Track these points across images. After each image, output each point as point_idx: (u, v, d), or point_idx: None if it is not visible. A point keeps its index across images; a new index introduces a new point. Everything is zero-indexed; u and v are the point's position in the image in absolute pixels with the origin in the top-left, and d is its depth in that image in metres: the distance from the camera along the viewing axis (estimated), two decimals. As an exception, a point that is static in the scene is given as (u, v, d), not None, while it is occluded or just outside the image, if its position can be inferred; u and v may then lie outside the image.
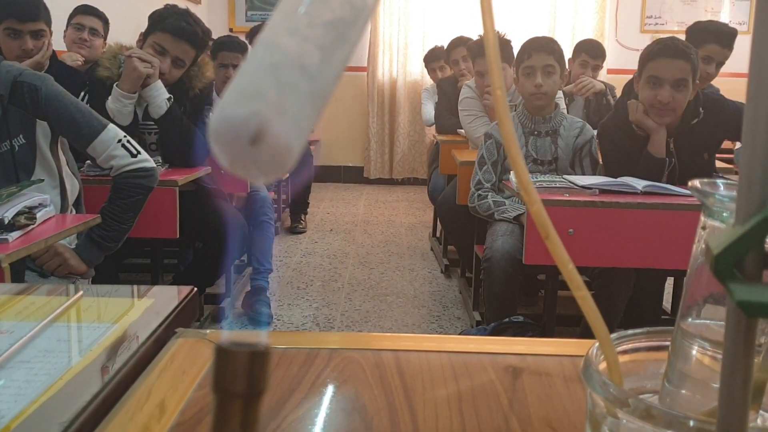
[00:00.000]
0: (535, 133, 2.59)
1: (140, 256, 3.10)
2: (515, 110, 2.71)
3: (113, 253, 2.32)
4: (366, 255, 4.08)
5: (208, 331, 0.74)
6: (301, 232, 4.49)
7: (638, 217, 1.92)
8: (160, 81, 2.38)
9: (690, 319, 0.50)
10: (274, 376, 0.65)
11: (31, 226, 1.44)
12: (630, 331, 0.57)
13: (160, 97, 2.38)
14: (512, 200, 2.46)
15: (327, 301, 3.25)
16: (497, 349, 0.70)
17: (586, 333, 2.30)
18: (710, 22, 3.18)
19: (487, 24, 0.40)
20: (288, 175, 4.35)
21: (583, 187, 2.02)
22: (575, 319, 2.55)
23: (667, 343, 0.52)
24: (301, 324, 2.96)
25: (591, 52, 3.84)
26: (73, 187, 1.90)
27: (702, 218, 0.50)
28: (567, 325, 2.68)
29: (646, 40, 3.26)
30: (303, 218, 4.57)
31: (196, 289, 0.85)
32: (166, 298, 0.82)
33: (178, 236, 2.18)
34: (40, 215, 1.51)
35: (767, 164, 0.32)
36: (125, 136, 1.83)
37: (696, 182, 0.50)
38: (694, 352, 0.50)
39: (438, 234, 4.20)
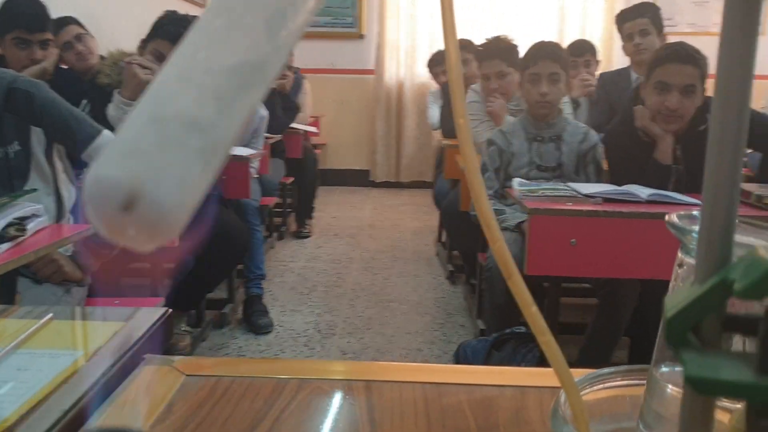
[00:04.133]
0: (539, 138, 2.55)
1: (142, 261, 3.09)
2: (516, 116, 2.67)
3: (117, 259, 2.31)
4: (370, 260, 4.05)
5: (175, 358, 0.72)
6: (306, 237, 4.46)
7: (642, 226, 1.88)
8: (159, 87, 2.36)
9: (663, 367, 0.47)
10: (238, 409, 0.62)
11: (22, 238, 1.42)
12: (606, 370, 0.54)
13: (160, 103, 2.36)
14: (514, 208, 2.42)
15: (329, 307, 3.23)
16: (474, 380, 0.67)
17: (588, 347, 2.27)
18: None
19: (450, 46, 0.38)
20: (293, 179, 4.33)
21: (586, 195, 1.98)
22: (580, 327, 2.51)
23: (644, 381, 0.49)
24: (302, 330, 2.93)
25: (574, 51, 3.78)
26: (69, 194, 1.88)
27: (679, 255, 0.47)
28: (571, 333, 2.64)
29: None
30: (308, 223, 4.55)
31: (170, 311, 0.83)
32: (137, 321, 0.79)
33: (177, 243, 2.16)
34: (32, 226, 1.49)
35: (729, 220, 0.29)
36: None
37: (673, 216, 0.47)
38: (669, 391, 0.47)
39: (443, 239, 4.16)
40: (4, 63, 2.40)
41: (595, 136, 2.56)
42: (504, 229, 2.44)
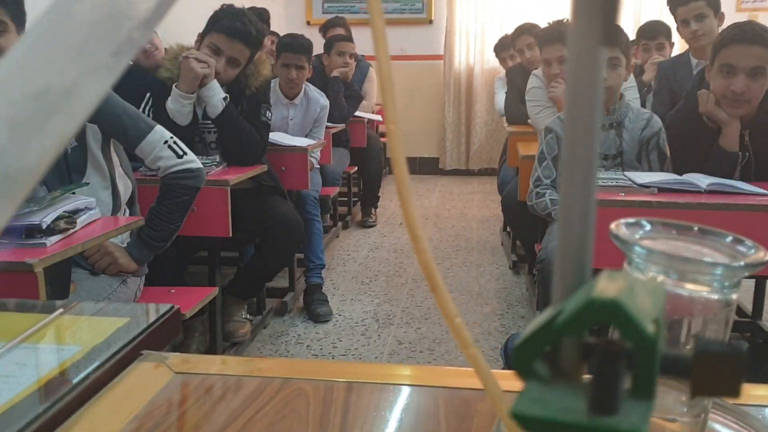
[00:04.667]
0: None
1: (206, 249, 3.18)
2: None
3: (180, 249, 2.38)
4: (433, 250, 4.03)
5: (170, 355, 0.73)
6: (371, 226, 4.49)
7: (700, 217, 1.79)
8: (216, 81, 2.41)
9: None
10: (215, 407, 0.63)
11: (72, 230, 1.49)
12: None
13: (217, 96, 2.41)
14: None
15: (389, 297, 3.23)
16: (456, 383, 0.65)
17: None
18: None
19: (380, 48, 0.37)
20: (357, 168, 4.35)
21: (641, 185, 1.90)
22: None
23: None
24: (360, 320, 2.96)
25: (647, 34, 3.63)
26: (126, 187, 1.95)
27: (625, 265, 0.44)
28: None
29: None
30: (373, 212, 4.56)
31: (177, 307, 0.85)
32: (141, 316, 0.81)
33: (230, 235, 2.21)
34: (82, 219, 1.55)
35: (583, 242, 0.27)
36: (172, 137, 1.87)
37: (620, 225, 0.44)
38: None
39: (508, 228, 4.10)
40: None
41: (658, 121, 2.45)
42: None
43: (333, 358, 2.59)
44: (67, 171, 1.79)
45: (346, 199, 4.51)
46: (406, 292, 3.30)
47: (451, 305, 0.40)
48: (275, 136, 2.91)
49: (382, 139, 5.21)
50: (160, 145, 1.83)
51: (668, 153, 2.42)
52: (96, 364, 0.69)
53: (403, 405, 0.63)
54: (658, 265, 0.41)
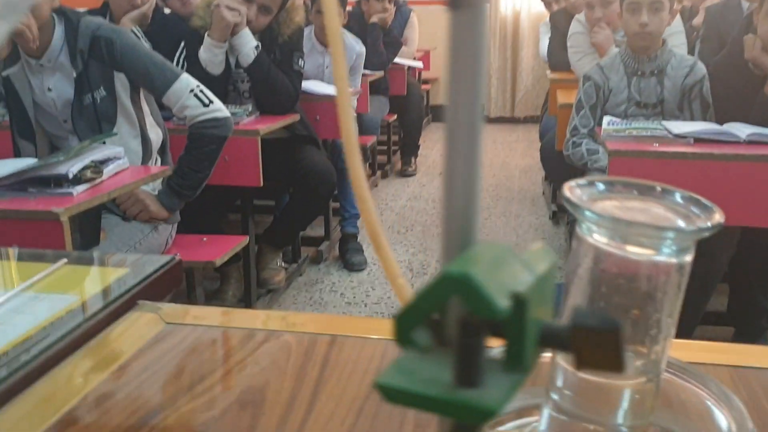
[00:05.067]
0: (639, 73, 2.38)
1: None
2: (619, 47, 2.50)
3: (215, 198, 2.42)
4: (473, 198, 4.00)
5: (165, 306, 0.75)
6: (410, 176, 4.47)
7: (739, 169, 1.73)
8: (247, 29, 2.40)
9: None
10: (198, 358, 0.64)
11: (99, 180, 1.52)
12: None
13: (248, 45, 2.40)
14: (606, 148, 2.29)
15: (424, 246, 3.24)
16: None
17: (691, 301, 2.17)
18: None
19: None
20: (397, 116, 4.32)
21: (677, 135, 1.84)
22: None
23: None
24: (395, 269, 2.97)
25: None
26: (157, 136, 1.98)
27: (576, 228, 0.43)
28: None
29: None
30: (413, 161, 4.54)
31: (178, 257, 0.86)
32: (141, 267, 0.83)
33: (261, 184, 2.23)
34: (110, 168, 1.58)
35: (469, 203, 0.26)
36: (198, 86, 1.88)
37: (573, 186, 0.43)
38: (570, 373, 0.43)
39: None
40: (108, 9, 2.53)
41: (702, 69, 2.35)
42: (596, 170, 2.33)
43: (366, 307, 2.62)
44: (97, 120, 1.82)
45: (385, 148, 4.49)
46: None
47: (394, 266, 0.39)
48: (309, 85, 2.89)
49: (424, 87, 5.14)
50: (186, 93, 1.84)
51: (711, 102, 2.33)
52: (89, 313, 0.71)
53: (384, 359, 0.63)
54: (604, 228, 0.40)
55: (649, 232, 0.38)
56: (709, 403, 0.46)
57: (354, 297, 2.72)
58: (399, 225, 3.54)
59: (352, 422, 0.54)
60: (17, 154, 1.85)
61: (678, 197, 0.43)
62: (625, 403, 0.44)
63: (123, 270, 0.81)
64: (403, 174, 4.48)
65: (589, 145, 2.37)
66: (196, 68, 2.38)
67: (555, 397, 0.44)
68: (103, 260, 0.87)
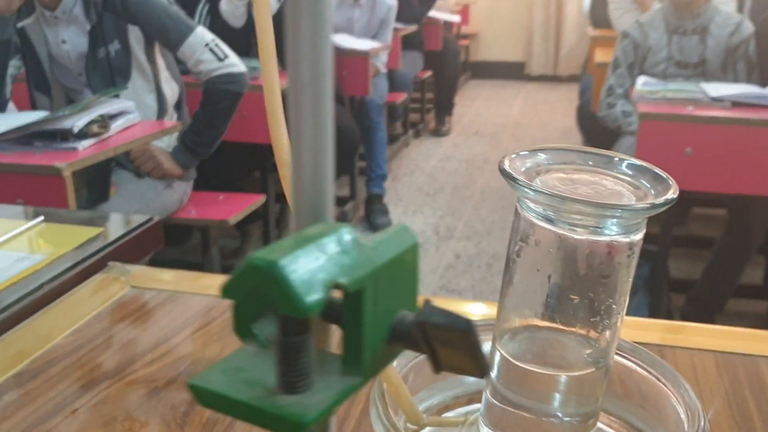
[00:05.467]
0: (681, 30, 2.25)
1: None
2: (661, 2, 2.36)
3: (237, 156, 2.40)
4: (507, 160, 3.91)
5: (134, 268, 0.72)
6: (444, 135, 4.38)
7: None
8: (271, -20, 2.34)
9: (506, 336, 0.39)
10: (156, 325, 0.62)
11: (105, 134, 1.50)
12: None
13: (271, -3, 2.34)
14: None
15: (452, 209, 3.18)
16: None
17: (714, 264, 2.08)
18: None
19: None
20: (431, 73, 4.21)
21: (714, 98, 1.73)
22: (708, 242, 2.29)
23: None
24: (420, 232, 2.93)
25: None
26: (172, 91, 1.95)
27: (517, 205, 0.38)
28: (700, 247, 2.42)
29: None
30: (447, 120, 4.44)
31: (157, 219, 0.83)
32: (116, 227, 0.80)
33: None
34: (119, 123, 1.56)
35: (319, 178, 0.22)
36: (213, 40, 1.83)
37: (513, 155, 0.37)
38: (512, 364, 0.39)
39: (588, 140, 3.91)
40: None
41: (749, 27, 2.21)
42: (630, 133, 2.23)
43: (388, 268, 2.58)
44: (111, 74, 1.80)
45: (418, 105, 4.39)
46: (471, 205, 3.24)
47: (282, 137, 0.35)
48: (338, 39, 2.82)
49: (462, 42, 5.01)
50: (201, 47, 1.80)
51: (757, 63, 2.19)
52: (55, 273, 0.68)
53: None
54: (540, 204, 0.34)
55: (585, 209, 0.33)
56: (663, 390, 0.41)
57: (377, 258, 2.68)
58: (428, 186, 3.48)
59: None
60: (33, 107, 1.85)
61: (636, 169, 0.38)
62: (569, 391, 0.39)
63: (98, 230, 0.79)
64: (437, 133, 4.40)
65: (625, 107, 2.27)
66: (218, 21, 2.33)
67: (495, 383, 0.40)
68: (81, 219, 0.85)
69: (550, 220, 0.34)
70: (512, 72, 6.21)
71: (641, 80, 2.00)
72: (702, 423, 0.38)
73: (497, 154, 4.03)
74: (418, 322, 0.21)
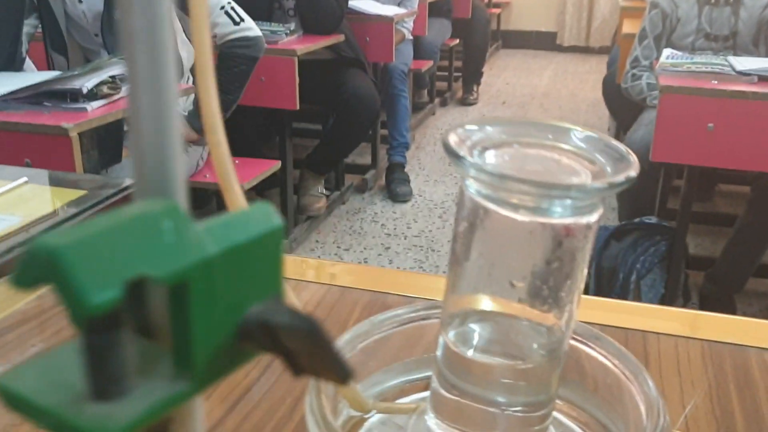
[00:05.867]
0: (712, 1, 2.17)
1: (304, 120, 3.15)
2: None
3: (256, 121, 2.38)
4: (533, 131, 3.84)
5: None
6: (471, 104, 4.31)
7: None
8: (292, -58, 2.30)
9: (450, 329, 0.37)
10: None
11: (116, 96, 1.49)
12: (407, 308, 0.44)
13: (293, -41, 2.31)
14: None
15: (474, 179, 3.13)
16: (374, 286, 0.59)
17: (736, 242, 2.04)
18: None
19: None
20: (459, 41, 4.13)
21: (740, 72, 1.66)
22: (731, 219, 2.23)
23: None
24: (440, 202, 2.90)
25: None
26: (189, 54, 1.93)
27: (461, 182, 0.35)
28: (722, 224, 2.36)
29: None
30: (475, 89, 4.37)
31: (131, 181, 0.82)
32: (100, 190, 0.79)
33: (297, 107, 2.17)
34: (130, 84, 1.55)
35: (161, 155, 0.19)
36: (229, 2, 1.81)
37: (457, 129, 0.35)
38: (458, 353, 0.37)
39: (616, 113, 3.82)
40: None
41: (786, -2, 2.12)
42: (654, 107, 2.16)
43: (405, 239, 2.57)
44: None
45: (446, 74, 4.32)
46: (492, 175, 3.18)
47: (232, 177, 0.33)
48: (361, 4, 2.78)
49: (493, 10, 4.91)
50: (217, 10, 1.78)
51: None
52: (28, 237, 0.68)
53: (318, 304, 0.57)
54: (481, 182, 0.32)
55: (528, 188, 0.30)
56: (625, 382, 0.39)
57: (395, 228, 2.67)
58: (451, 156, 3.43)
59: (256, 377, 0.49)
60: (50, 67, 1.84)
61: (596, 144, 0.35)
62: (519, 381, 0.37)
63: (80, 192, 0.78)
64: (464, 102, 4.33)
65: (650, 80, 2.20)
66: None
67: (442, 371, 0.38)
68: (66, 181, 0.84)
69: (492, 200, 0.32)
70: (544, 42, 6.08)
71: (666, 52, 1.93)
72: (661, 420, 0.36)
73: (523, 125, 3.95)
74: (258, 322, 0.18)
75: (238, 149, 2.19)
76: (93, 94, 1.43)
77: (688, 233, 1.86)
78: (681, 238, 1.83)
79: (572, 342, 0.42)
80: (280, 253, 0.20)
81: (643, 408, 0.37)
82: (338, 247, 2.52)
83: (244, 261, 0.19)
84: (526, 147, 0.34)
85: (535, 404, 0.37)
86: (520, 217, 0.31)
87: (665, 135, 1.63)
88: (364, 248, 2.50)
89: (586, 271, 0.34)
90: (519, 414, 0.37)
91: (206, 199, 2.48)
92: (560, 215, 0.32)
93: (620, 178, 0.31)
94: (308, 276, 0.62)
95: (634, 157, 0.33)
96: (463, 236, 0.34)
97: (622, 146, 0.34)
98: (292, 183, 2.43)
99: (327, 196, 2.73)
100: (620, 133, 3.53)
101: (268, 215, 0.20)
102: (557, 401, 0.43)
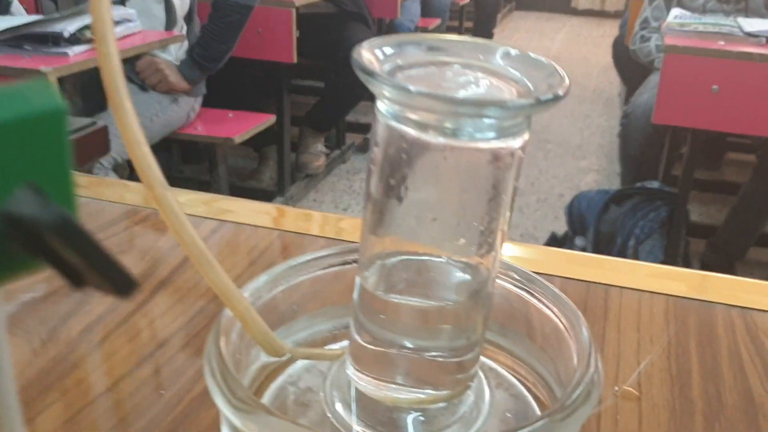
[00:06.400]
0: (726, -39, 2.09)
1: (307, 77, 3.09)
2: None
3: (254, 74, 2.34)
4: (541, 95, 3.77)
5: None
6: (479, 65, 4.22)
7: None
8: None
9: (367, 271, 0.34)
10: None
11: (101, 41, 1.45)
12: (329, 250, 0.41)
13: None
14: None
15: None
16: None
17: (738, 209, 1.99)
18: None
19: None
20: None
21: (748, 34, 1.60)
22: (729, 187, 2.18)
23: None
24: (441, 162, 2.85)
25: None
26: (182, 2, 1.88)
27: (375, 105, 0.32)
28: (727, 192, 2.31)
29: None
30: (484, 50, 4.27)
31: (102, 125, 0.78)
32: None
33: (294, 60, 2.12)
34: (118, 30, 1.51)
35: None
36: (223, -51, 1.76)
37: (370, 45, 0.31)
38: (374, 299, 0.34)
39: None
40: None
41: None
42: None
43: (404, 198, 2.53)
44: (119, -19, 1.74)
45: (458, 32, 4.24)
46: (496, 137, 3.13)
47: (138, 134, 0.29)
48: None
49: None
50: (210, -44, 1.73)
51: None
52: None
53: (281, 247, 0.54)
54: (389, 100, 0.28)
55: (438, 105, 0.27)
56: (560, 328, 0.36)
57: (394, 188, 2.63)
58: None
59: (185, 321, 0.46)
60: (38, 10, 1.80)
61: (528, 64, 0.31)
62: (441, 324, 0.34)
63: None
64: (472, 64, 4.24)
65: (660, 41, 2.13)
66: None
67: (358, 316, 0.34)
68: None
69: (401, 120, 0.28)
70: (558, 5, 5.95)
71: (674, 12, 1.87)
72: (591, 372, 0.32)
73: (532, 88, 3.88)
74: (2, 215, 0.15)
75: (236, 103, 2.15)
76: (76, 39, 1.39)
77: (692, 201, 1.82)
78: (682, 204, 1.79)
79: (507, 285, 0.39)
80: (63, 138, 0.16)
81: (576, 359, 0.34)
82: (336, 207, 2.49)
83: (9, 145, 0.15)
84: (447, 66, 0.31)
85: (459, 349, 0.33)
86: (431, 138, 0.28)
87: (669, 97, 1.58)
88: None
89: (507, 204, 0.31)
90: (441, 359, 0.34)
91: (200, 155, 2.45)
92: (478, 138, 0.28)
93: (546, 95, 0.27)
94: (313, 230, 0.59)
95: (564, 75, 0.29)
96: (376, 167, 0.31)
97: (556, 65, 0.30)
98: (289, 140, 2.39)
99: (327, 155, 2.69)
100: (630, 97, 3.46)
101: (47, 94, 0.16)
102: (490, 348, 0.40)
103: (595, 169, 2.87)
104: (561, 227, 2.11)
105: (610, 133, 3.27)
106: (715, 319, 0.49)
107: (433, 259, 0.32)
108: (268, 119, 2.05)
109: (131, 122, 0.30)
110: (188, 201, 0.63)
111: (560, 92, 0.27)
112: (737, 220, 1.94)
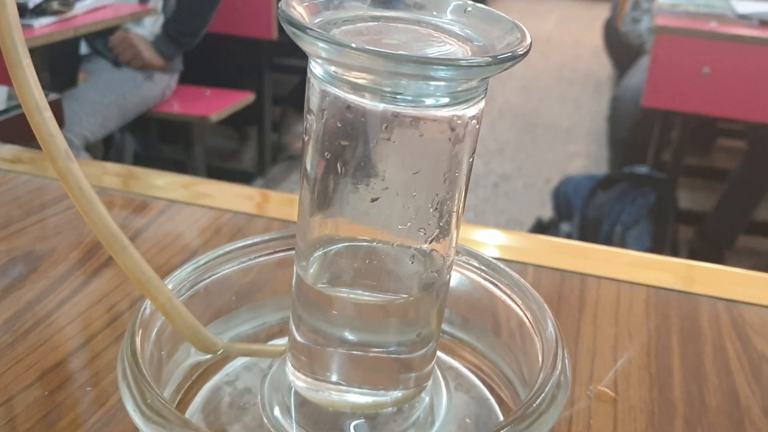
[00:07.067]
0: (721, -60, 2.04)
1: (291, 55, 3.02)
2: None
3: (230, 50, 2.27)
4: (532, 79, 3.73)
5: (11, 148, 0.63)
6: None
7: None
8: None
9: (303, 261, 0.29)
10: (7, 212, 0.53)
11: (69, 13, 1.39)
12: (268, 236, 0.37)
13: None
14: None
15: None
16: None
17: (729, 196, 1.95)
18: None
19: None
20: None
21: (740, 15, 1.56)
22: (720, 174, 2.14)
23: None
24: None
25: None
26: (159, -23, 1.83)
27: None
28: (716, 179, 2.28)
29: None
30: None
31: (56, 96, 0.74)
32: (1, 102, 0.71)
33: (274, 36, 2.06)
34: (87, 3, 1.45)
35: None
36: None
37: (302, 3, 0.26)
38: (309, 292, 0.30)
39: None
40: None
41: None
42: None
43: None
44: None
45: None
46: (487, 122, 3.09)
47: (39, 98, 0.25)
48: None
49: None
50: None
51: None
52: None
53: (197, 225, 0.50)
54: (323, 60, 0.24)
55: (376, 63, 0.22)
56: (524, 321, 0.32)
57: (379, 170, 2.59)
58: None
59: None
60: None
61: (484, 19, 0.27)
62: (389, 317, 0.29)
63: (-19, 102, 0.70)
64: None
65: (651, 24, 2.09)
66: None
67: (297, 310, 0.30)
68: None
69: (337, 84, 0.24)
70: (550, -14, 5.89)
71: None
72: (557, 372, 0.28)
73: (522, 70, 3.84)
74: None
75: (215, 81, 2.09)
76: (41, 11, 1.34)
77: (682, 187, 1.79)
78: (671, 190, 1.76)
79: (468, 274, 0.35)
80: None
81: (540, 357, 0.30)
82: (319, 188, 2.44)
83: None
84: (393, 21, 0.26)
85: (409, 345, 0.29)
86: (370, 103, 0.24)
87: (658, 79, 1.54)
88: (346, 190, 2.42)
89: (461, 182, 0.27)
90: (388, 357, 0.30)
91: (177, 134, 2.38)
92: (425, 105, 0.24)
93: (504, 54, 0.23)
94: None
95: (526, 32, 0.25)
96: (310, 139, 0.26)
97: (517, 22, 0.26)
98: (270, 119, 2.33)
99: (310, 136, 2.64)
100: (621, 80, 3.42)
101: None
102: (451, 343, 0.36)
103: (584, 153, 2.83)
104: (548, 213, 2.08)
105: (599, 117, 3.23)
106: (699, 313, 0.45)
107: (380, 245, 0.28)
108: (247, 97, 2.00)
109: (30, 83, 0.26)
110: (166, 184, 0.59)
111: (520, 51, 0.23)
112: (727, 208, 1.92)
